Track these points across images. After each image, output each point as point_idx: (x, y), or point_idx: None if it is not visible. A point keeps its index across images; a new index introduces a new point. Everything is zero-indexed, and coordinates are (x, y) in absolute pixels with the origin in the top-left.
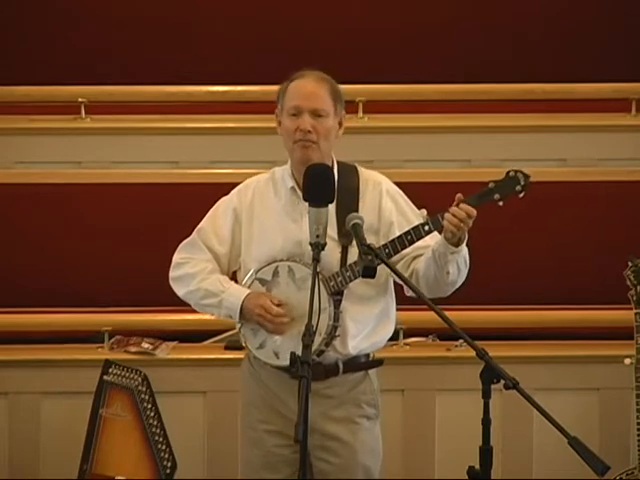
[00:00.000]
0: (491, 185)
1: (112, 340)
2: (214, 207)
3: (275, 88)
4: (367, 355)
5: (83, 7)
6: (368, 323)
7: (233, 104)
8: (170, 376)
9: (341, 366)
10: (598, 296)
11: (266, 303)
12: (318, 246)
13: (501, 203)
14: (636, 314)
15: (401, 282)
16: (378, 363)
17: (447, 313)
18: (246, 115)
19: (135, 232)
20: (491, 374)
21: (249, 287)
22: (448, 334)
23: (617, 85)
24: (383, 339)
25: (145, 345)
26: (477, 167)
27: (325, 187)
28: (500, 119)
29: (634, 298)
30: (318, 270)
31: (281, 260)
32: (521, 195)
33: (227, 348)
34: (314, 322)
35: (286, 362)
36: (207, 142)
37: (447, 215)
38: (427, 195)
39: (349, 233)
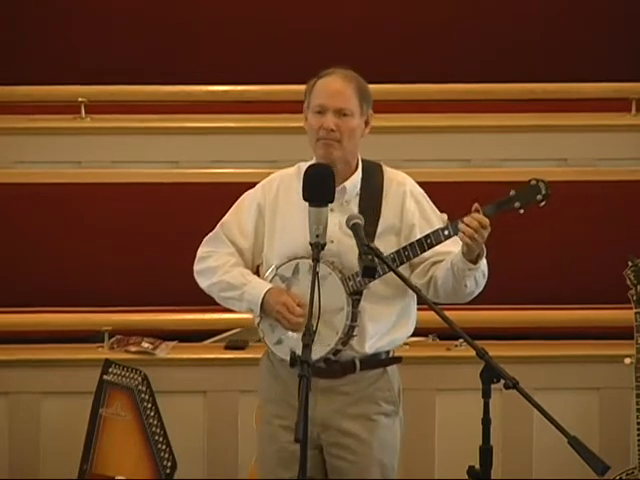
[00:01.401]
0: (512, 193)
1: (112, 340)
2: (238, 201)
3: (275, 88)
4: (387, 352)
5: (83, 7)
6: (387, 323)
7: (233, 104)
8: (170, 376)
9: (358, 363)
10: (598, 296)
11: (288, 301)
12: (318, 246)
13: (522, 211)
14: (636, 314)
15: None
16: (396, 360)
17: (447, 313)
18: (246, 115)
19: (135, 232)
20: (491, 374)
21: (270, 282)
22: (448, 334)
23: (617, 85)
24: (402, 337)
25: (145, 345)
26: (477, 167)
27: (325, 187)
28: (500, 119)
29: (634, 298)
30: (336, 268)
31: (302, 257)
32: (542, 204)
33: (227, 348)
34: (335, 322)
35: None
36: (207, 142)
37: (461, 225)
38: (427, 195)
39: (370, 232)
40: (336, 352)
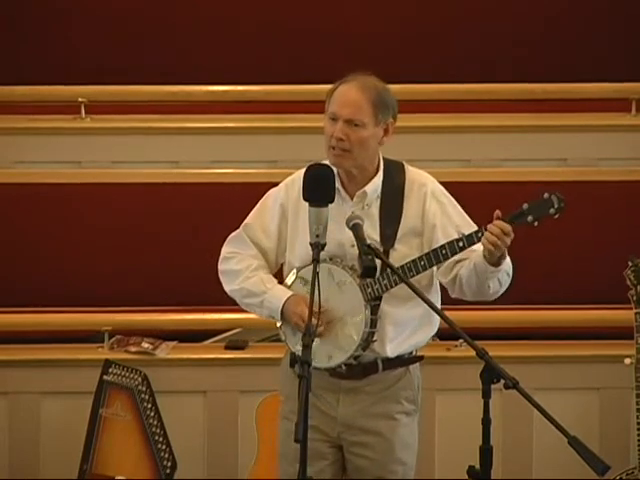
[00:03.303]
0: (525, 206)
1: (112, 340)
2: (262, 200)
3: (276, 88)
4: (410, 352)
5: (83, 7)
6: (408, 325)
7: (233, 104)
8: (170, 376)
9: (380, 364)
10: (598, 296)
11: (304, 312)
12: (318, 246)
13: (536, 224)
14: (636, 314)
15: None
16: (418, 359)
17: (447, 313)
18: (246, 115)
19: (135, 232)
20: (491, 374)
21: (291, 286)
22: (448, 334)
23: (617, 85)
24: (424, 339)
25: (145, 345)
26: (477, 167)
27: (325, 187)
28: (500, 119)
29: (634, 298)
30: (356, 272)
31: (322, 260)
32: (556, 217)
33: (227, 348)
34: (353, 328)
35: (321, 364)
36: (207, 142)
37: (486, 233)
38: None
39: (392, 234)
40: (356, 357)
